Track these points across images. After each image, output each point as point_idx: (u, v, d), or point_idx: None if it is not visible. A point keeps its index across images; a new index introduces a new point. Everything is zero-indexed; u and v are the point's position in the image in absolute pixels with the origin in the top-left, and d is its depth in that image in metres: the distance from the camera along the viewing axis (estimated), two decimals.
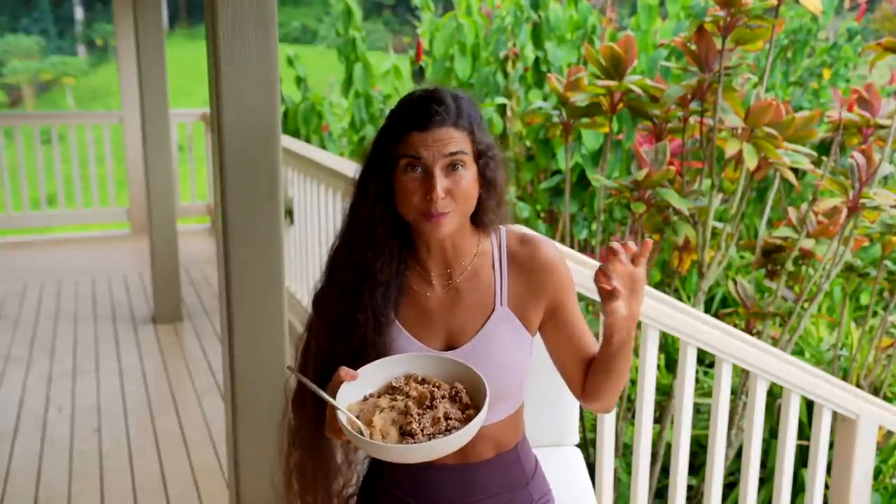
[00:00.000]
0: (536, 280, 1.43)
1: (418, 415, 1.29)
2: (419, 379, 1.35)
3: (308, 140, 6.22)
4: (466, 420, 1.29)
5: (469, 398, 1.32)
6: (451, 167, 1.32)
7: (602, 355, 1.40)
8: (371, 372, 1.35)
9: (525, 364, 1.44)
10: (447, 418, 1.29)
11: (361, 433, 1.27)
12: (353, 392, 1.33)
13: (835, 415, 2.64)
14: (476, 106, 1.39)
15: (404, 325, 1.42)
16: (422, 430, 1.27)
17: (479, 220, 1.41)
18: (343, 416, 1.28)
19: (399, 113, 1.36)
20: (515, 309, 1.43)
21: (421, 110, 1.33)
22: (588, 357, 1.46)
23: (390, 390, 1.33)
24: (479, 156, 1.36)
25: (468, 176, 1.33)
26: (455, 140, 1.32)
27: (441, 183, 1.30)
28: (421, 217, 1.33)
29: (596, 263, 2.17)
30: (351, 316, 1.39)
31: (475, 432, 1.27)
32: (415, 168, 1.32)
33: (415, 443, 1.26)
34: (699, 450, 3.29)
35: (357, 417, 1.30)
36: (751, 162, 2.72)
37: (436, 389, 1.32)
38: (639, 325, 2.85)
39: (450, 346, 1.42)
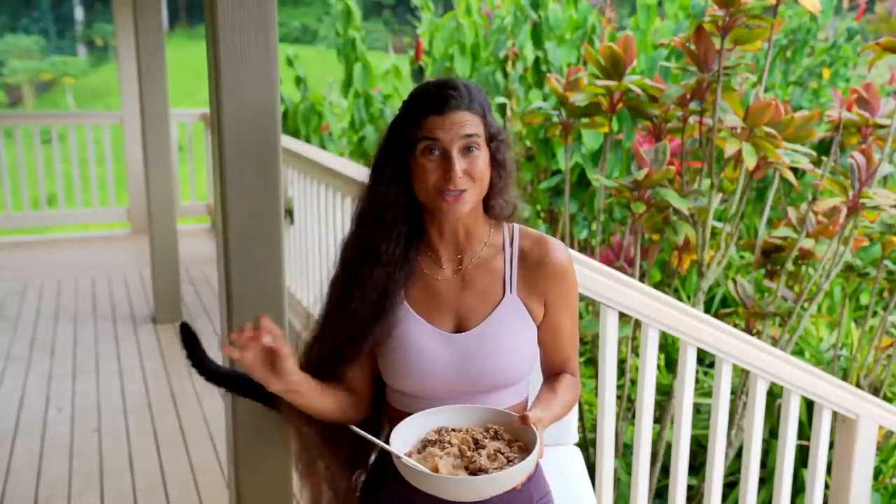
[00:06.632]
0: (543, 283, 1.48)
1: (475, 455, 1.30)
2: (450, 429, 1.36)
3: (308, 140, 6.22)
4: (520, 451, 1.31)
5: (508, 434, 1.34)
6: (467, 149, 1.38)
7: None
8: (403, 430, 1.36)
9: (531, 353, 1.49)
10: (500, 453, 1.30)
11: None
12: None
13: (835, 415, 2.64)
14: (484, 93, 1.45)
15: (413, 306, 1.46)
16: (489, 466, 1.28)
17: (491, 204, 1.47)
18: (412, 462, 1.28)
19: (416, 99, 1.42)
20: (522, 299, 1.47)
21: (437, 95, 1.39)
22: (557, 370, 1.54)
23: (428, 444, 1.33)
24: (491, 139, 1.43)
25: (482, 157, 1.40)
26: (470, 122, 1.38)
27: (459, 163, 1.36)
28: (439, 197, 1.38)
29: (596, 263, 2.17)
30: (348, 292, 1.45)
31: (541, 453, 1.30)
32: (433, 151, 1.37)
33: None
34: (699, 450, 3.29)
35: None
36: (750, 161, 2.72)
37: (475, 432, 1.34)
38: (638, 324, 2.85)
39: (459, 329, 1.46)
